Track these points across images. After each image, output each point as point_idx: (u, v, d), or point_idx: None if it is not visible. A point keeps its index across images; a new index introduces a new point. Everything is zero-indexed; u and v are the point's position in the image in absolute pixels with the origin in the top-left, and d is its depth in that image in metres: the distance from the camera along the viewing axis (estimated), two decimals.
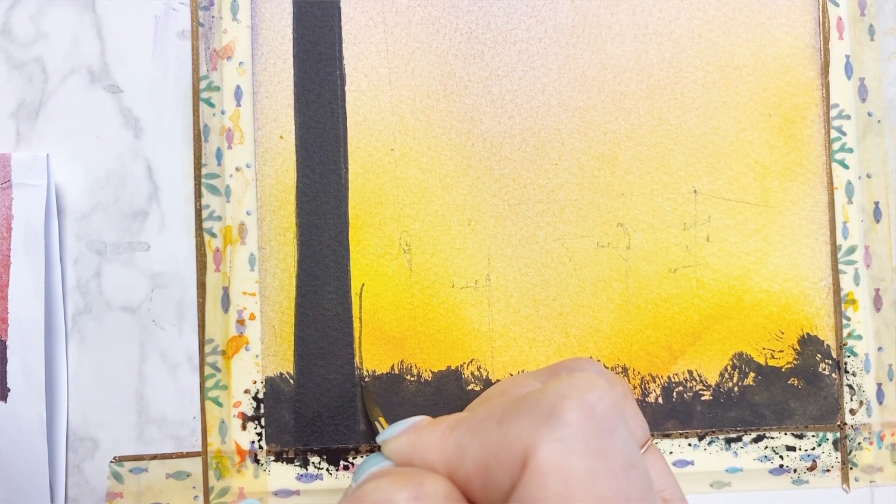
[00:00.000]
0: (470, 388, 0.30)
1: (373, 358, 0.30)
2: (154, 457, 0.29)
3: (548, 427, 0.17)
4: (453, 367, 0.30)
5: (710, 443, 0.30)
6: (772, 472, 0.30)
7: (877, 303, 0.31)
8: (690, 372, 0.30)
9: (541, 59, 0.31)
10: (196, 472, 0.29)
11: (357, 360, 0.29)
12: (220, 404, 0.29)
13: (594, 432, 0.17)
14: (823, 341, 0.31)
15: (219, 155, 0.30)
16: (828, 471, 0.30)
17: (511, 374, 0.30)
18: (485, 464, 0.18)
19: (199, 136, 0.30)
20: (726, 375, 0.30)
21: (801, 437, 0.30)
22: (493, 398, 0.22)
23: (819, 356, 0.31)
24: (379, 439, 0.22)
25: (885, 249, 0.31)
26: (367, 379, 0.29)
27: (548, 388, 0.18)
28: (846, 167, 0.31)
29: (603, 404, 0.17)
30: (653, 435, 0.30)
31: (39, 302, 0.28)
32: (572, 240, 0.30)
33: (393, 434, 0.21)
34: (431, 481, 0.18)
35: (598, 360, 0.22)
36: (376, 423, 0.27)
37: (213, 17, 0.30)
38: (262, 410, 0.29)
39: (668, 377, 0.30)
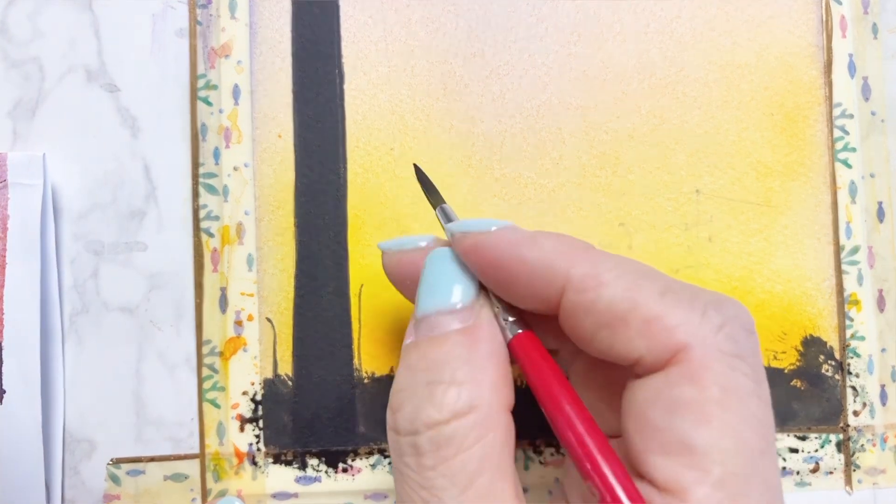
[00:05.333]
0: None
1: (372, 359, 0.29)
2: (152, 459, 0.29)
3: (715, 335, 0.17)
4: None
5: None
6: None
7: (880, 303, 0.31)
8: None
9: (541, 58, 0.30)
10: (194, 475, 0.29)
11: (356, 361, 0.29)
12: (217, 406, 0.29)
13: (753, 358, 0.17)
14: (826, 342, 0.30)
15: (216, 154, 0.29)
16: (831, 473, 0.30)
17: None
18: (622, 315, 0.17)
19: (196, 136, 0.29)
20: None
21: (804, 438, 0.30)
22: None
23: (822, 357, 0.30)
24: (456, 227, 0.20)
25: (889, 250, 0.31)
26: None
27: (723, 300, 0.18)
28: (849, 167, 0.31)
29: (756, 339, 0.18)
30: None
31: (36, 303, 0.28)
32: None
33: (481, 229, 0.20)
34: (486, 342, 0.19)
35: None
36: (440, 209, 0.24)
37: (211, 15, 0.30)
38: (260, 412, 0.29)
39: None
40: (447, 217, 0.23)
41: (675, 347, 0.17)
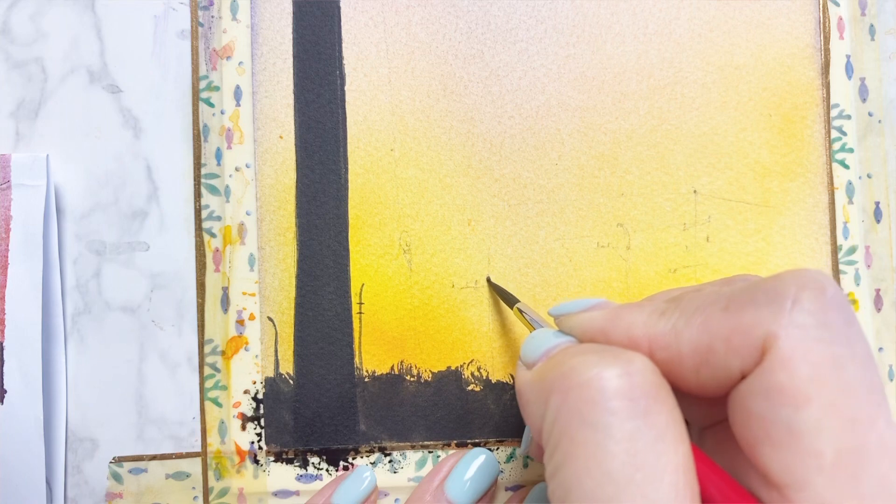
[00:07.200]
0: (470, 388, 0.30)
1: (372, 358, 0.29)
2: (153, 457, 0.29)
3: (791, 315, 0.17)
4: (453, 368, 0.30)
5: None
6: None
7: (877, 303, 0.31)
8: None
9: (541, 58, 0.30)
10: (195, 473, 0.29)
11: (357, 360, 0.29)
12: (219, 405, 0.29)
13: (838, 321, 0.17)
14: None
15: (218, 155, 0.30)
16: None
17: (511, 375, 0.30)
18: (707, 346, 0.18)
19: (198, 136, 0.29)
20: None
21: None
22: (688, 293, 0.21)
23: None
24: (555, 311, 0.22)
25: (886, 250, 0.31)
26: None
27: (782, 278, 0.18)
28: (847, 167, 0.31)
29: (840, 296, 0.18)
30: None
31: (38, 303, 0.28)
32: (572, 240, 0.30)
33: (576, 309, 0.22)
34: (639, 358, 0.18)
35: None
36: (517, 308, 0.26)
37: (212, 16, 0.30)
38: (261, 411, 0.29)
39: None
40: (527, 312, 0.26)
41: (759, 344, 0.17)
